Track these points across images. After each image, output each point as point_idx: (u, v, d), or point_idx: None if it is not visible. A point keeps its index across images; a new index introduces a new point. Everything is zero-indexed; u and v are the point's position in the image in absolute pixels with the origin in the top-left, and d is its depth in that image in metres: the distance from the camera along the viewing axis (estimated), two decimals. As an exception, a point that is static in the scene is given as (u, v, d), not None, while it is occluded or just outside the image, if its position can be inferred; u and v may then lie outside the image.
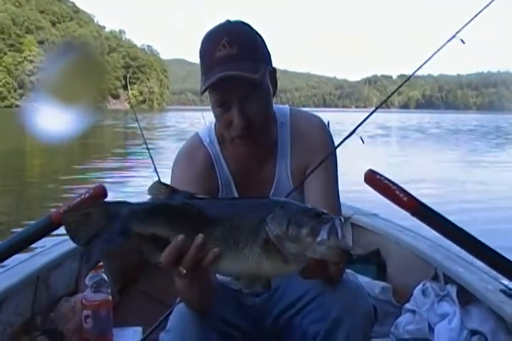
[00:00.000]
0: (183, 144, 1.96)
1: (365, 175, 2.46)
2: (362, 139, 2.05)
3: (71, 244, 2.91)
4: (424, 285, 2.70)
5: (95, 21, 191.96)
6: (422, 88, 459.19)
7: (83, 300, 2.47)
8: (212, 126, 1.93)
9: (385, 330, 2.68)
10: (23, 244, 2.31)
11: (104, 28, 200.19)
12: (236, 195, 1.89)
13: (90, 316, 2.43)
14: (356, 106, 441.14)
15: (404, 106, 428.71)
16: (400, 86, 2.48)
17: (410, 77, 2.21)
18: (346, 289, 1.65)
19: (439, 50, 2.16)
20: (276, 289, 1.82)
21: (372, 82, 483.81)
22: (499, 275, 2.41)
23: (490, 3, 2.19)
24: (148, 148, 3.26)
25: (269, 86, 1.74)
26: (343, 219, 1.21)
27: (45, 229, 2.31)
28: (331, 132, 1.93)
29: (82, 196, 2.24)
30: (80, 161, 15.64)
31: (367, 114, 2.27)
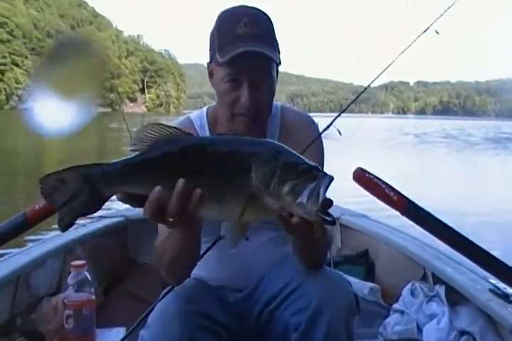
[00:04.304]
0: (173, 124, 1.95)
1: (353, 173, 2.43)
2: (339, 131, 2.06)
3: (53, 243, 2.88)
4: (412, 285, 2.66)
5: (114, 26, 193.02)
6: (439, 94, 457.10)
7: (65, 300, 2.41)
8: (204, 110, 1.96)
9: (374, 331, 2.65)
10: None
11: (123, 32, 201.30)
12: None
13: (72, 316, 2.37)
14: (372, 112, 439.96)
15: (421, 112, 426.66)
16: (369, 85, 2.45)
17: (384, 70, 2.21)
18: (327, 279, 1.63)
19: (413, 42, 2.18)
20: (258, 284, 1.80)
21: (389, 87, 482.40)
22: (488, 275, 2.37)
23: None
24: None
25: (276, 76, 1.78)
26: (333, 178, 1.19)
27: (20, 227, 2.24)
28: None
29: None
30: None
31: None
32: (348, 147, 23.46)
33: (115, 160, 1.25)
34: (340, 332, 1.57)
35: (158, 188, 1.20)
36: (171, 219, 1.25)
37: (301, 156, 1.26)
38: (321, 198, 1.15)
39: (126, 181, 1.24)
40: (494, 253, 2.34)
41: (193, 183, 1.20)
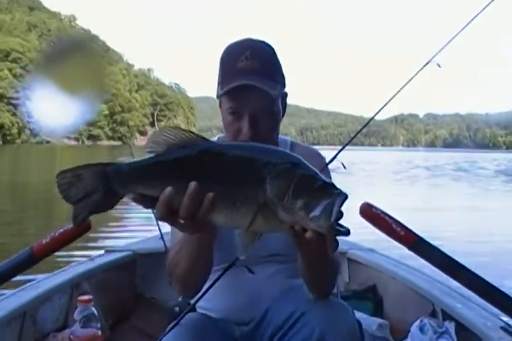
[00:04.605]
0: None
1: (360, 208, 2.43)
2: (343, 165, 2.08)
3: (61, 278, 2.86)
4: (421, 321, 2.61)
5: (125, 60, 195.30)
6: (449, 127, 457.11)
7: (71, 336, 2.37)
8: (216, 140, 1.98)
9: (382, 368, 2.60)
10: (1, 278, 2.22)
11: (133, 66, 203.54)
12: None
13: (78, 352, 2.33)
14: (382, 145, 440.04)
15: (431, 145, 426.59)
16: (373, 117, 2.47)
17: (385, 105, 2.23)
18: (330, 307, 1.64)
19: (415, 75, 2.20)
20: (263, 316, 1.79)
21: (398, 120, 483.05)
22: (499, 312, 2.34)
23: (463, 28, 2.23)
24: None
25: (280, 107, 1.82)
26: (347, 195, 1.19)
27: (27, 263, 2.23)
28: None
29: (66, 227, 2.22)
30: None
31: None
32: (358, 180, 23.36)
33: (131, 160, 1.28)
34: None
35: (169, 189, 1.22)
36: (182, 221, 1.26)
37: (317, 171, 1.27)
38: (334, 216, 1.16)
39: (141, 181, 1.26)
40: (507, 290, 2.31)
41: (205, 187, 1.21)
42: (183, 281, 1.68)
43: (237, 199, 1.22)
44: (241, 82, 1.66)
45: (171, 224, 1.29)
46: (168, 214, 1.24)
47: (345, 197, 1.19)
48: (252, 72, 1.69)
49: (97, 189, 1.25)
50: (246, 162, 1.25)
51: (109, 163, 1.28)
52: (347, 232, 1.19)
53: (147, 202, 1.26)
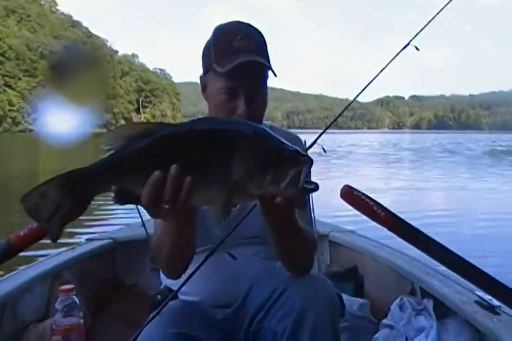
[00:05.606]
0: None
1: (341, 191, 2.45)
2: (324, 149, 2.10)
3: (41, 268, 2.83)
4: (401, 300, 2.65)
5: (108, 45, 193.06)
6: (434, 108, 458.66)
7: (53, 325, 2.37)
8: None
9: (363, 347, 2.62)
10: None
11: (117, 52, 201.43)
12: None
13: (61, 341, 2.31)
14: (368, 128, 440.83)
15: (416, 127, 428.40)
16: (353, 100, 2.49)
17: (365, 88, 2.24)
18: (309, 280, 1.67)
19: (394, 58, 2.23)
20: (245, 296, 1.82)
21: (384, 103, 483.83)
22: (474, 287, 2.38)
23: (440, 11, 2.25)
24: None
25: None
26: (312, 160, 1.24)
27: (4, 255, 2.20)
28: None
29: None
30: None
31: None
32: (346, 164, 23.43)
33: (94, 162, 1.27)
34: (326, 330, 1.58)
35: (157, 172, 1.22)
36: (167, 206, 1.26)
37: (282, 140, 1.28)
38: (301, 182, 1.20)
39: (107, 180, 1.25)
40: (491, 264, 2.35)
41: (181, 171, 1.23)
42: (169, 263, 1.69)
43: (208, 181, 1.24)
44: (246, 58, 1.68)
45: (157, 212, 1.29)
46: (153, 200, 1.25)
47: (311, 162, 1.23)
48: (250, 50, 1.71)
49: (64, 201, 1.24)
50: (212, 143, 1.26)
51: (71, 170, 1.27)
52: (316, 188, 1.23)
53: (126, 198, 1.26)
